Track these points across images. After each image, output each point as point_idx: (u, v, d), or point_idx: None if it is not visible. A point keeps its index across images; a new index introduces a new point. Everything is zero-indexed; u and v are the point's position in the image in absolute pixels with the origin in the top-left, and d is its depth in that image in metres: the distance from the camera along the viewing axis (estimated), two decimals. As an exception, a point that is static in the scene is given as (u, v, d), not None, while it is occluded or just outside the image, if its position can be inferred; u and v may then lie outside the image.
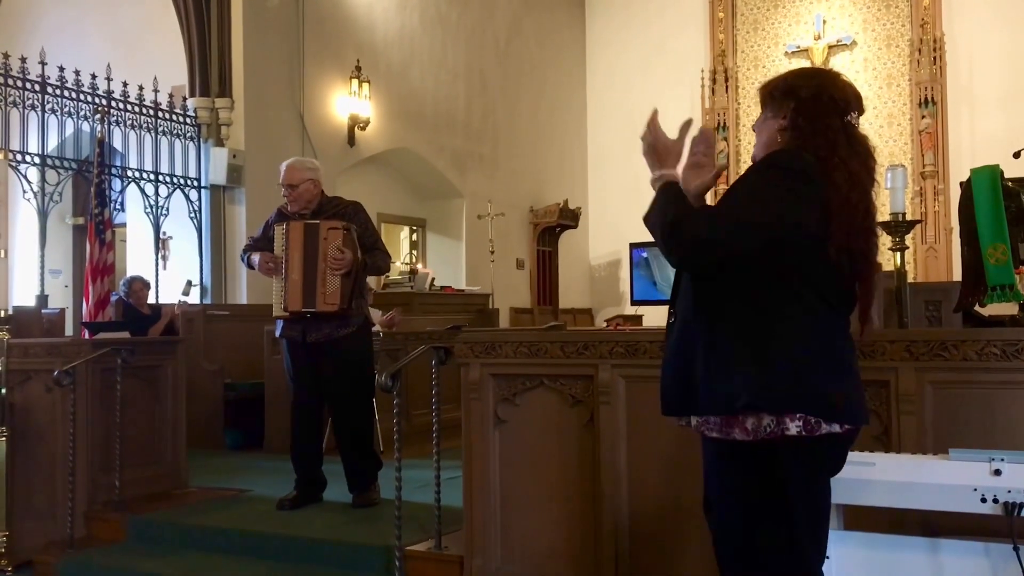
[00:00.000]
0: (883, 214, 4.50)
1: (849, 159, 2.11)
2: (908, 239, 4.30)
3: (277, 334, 4.84)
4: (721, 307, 2.09)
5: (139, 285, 7.09)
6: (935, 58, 11.47)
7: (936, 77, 11.46)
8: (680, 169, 2.21)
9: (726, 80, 12.54)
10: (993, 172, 3.23)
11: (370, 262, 4.72)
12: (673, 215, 2.07)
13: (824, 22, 12.24)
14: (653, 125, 2.23)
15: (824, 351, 2.08)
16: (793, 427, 2.02)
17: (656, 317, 11.14)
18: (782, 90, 2.22)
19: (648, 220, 2.16)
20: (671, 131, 2.25)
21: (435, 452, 3.88)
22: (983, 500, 2.30)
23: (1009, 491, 2.27)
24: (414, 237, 11.77)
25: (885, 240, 4.36)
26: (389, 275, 8.27)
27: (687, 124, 2.23)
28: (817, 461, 2.10)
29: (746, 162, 11.35)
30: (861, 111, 2.22)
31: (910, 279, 9.42)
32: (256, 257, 4.75)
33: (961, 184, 3.43)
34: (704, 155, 2.25)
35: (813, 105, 2.15)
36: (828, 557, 2.21)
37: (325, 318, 4.61)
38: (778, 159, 2.13)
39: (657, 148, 2.21)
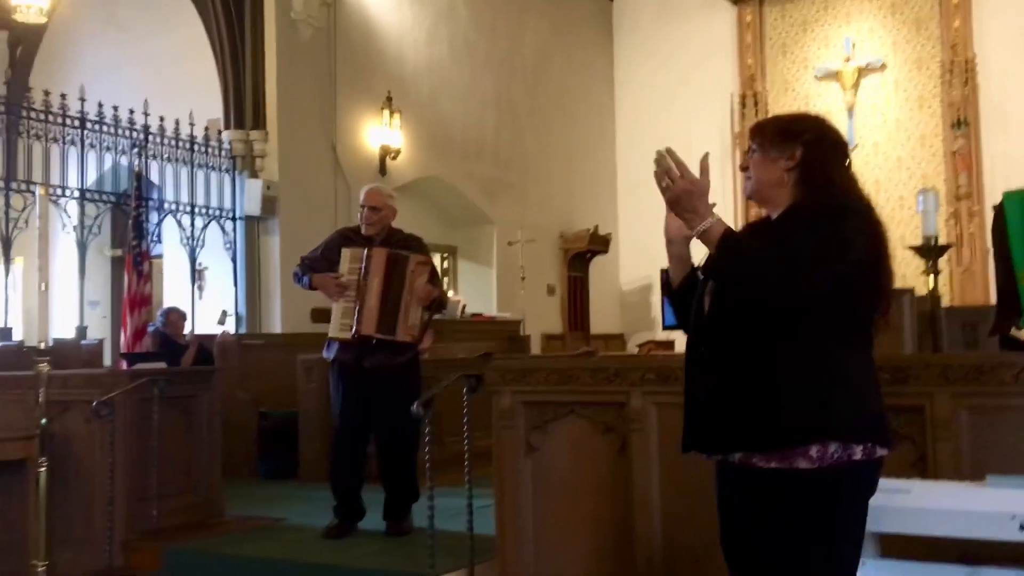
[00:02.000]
0: (915, 238, 4.49)
1: (863, 197, 2.20)
2: (943, 262, 4.29)
3: (329, 356, 4.84)
4: (780, 340, 2.08)
5: (175, 316, 7.19)
6: (967, 79, 11.38)
7: (968, 98, 11.37)
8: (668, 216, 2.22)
9: (755, 104, 12.52)
10: (1026, 195, 3.21)
11: (444, 299, 4.99)
12: (776, 267, 2.02)
13: (854, 45, 12.19)
14: (681, 168, 2.08)
15: (871, 378, 2.16)
16: (859, 452, 2.07)
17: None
18: (784, 132, 2.24)
19: (727, 272, 2.10)
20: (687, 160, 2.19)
21: (467, 480, 3.88)
22: (1021, 528, 2.26)
23: (1048, 519, 2.24)
24: (445, 264, 11.83)
25: (919, 264, 4.34)
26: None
27: (705, 159, 2.16)
28: (871, 483, 2.16)
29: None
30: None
31: (946, 302, 9.30)
32: (321, 279, 4.73)
33: (994, 207, 3.41)
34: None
35: (822, 146, 2.21)
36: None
37: (382, 346, 4.67)
38: (844, 201, 2.15)
39: (695, 194, 2.08)
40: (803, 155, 2.19)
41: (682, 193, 2.08)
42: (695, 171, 2.11)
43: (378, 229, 4.81)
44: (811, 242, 2.05)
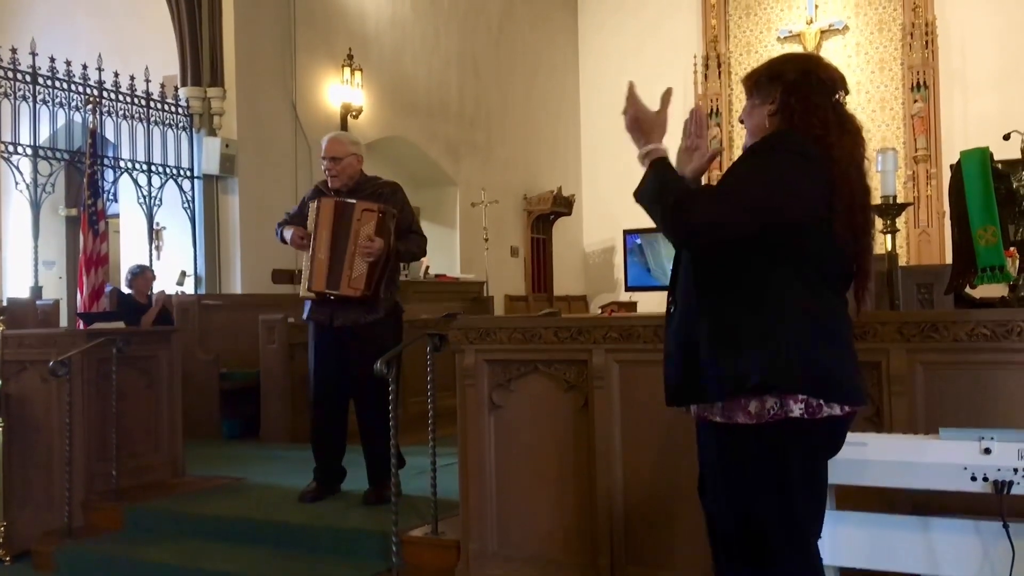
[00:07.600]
0: (874, 197, 4.53)
1: (842, 137, 2.15)
2: (901, 223, 4.33)
3: (304, 316, 4.69)
4: (724, 290, 2.10)
5: (150, 275, 7.17)
6: (927, 42, 11.48)
7: (928, 61, 11.47)
8: (667, 143, 2.20)
9: (719, 65, 12.53)
10: (983, 154, 3.25)
11: (403, 248, 4.58)
12: (675, 197, 2.07)
13: (816, 7, 12.22)
14: (633, 98, 2.21)
15: (827, 331, 2.11)
16: (796, 409, 2.04)
17: (650, 303, 11.15)
18: (768, 75, 2.23)
19: (641, 197, 2.15)
20: (656, 109, 2.24)
21: (431, 439, 3.90)
22: (973, 479, 2.32)
23: (999, 469, 2.30)
24: (408, 225, 11.74)
25: (876, 223, 4.40)
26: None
27: (667, 94, 2.21)
28: (818, 443, 2.13)
29: (739, 149, 11.34)
30: (847, 91, 2.24)
31: (903, 262, 9.45)
32: (289, 232, 4.60)
33: (952, 167, 3.45)
34: (698, 137, 2.28)
35: (802, 86, 2.18)
36: (820, 536, 2.24)
37: (353, 303, 4.47)
38: (777, 140, 2.14)
39: (641, 121, 2.20)
40: (782, 97, 2.18)
41: (629, 118, 2.21)
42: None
43: (344, 180, 4.59)
44: (731, 175, 2.09)
